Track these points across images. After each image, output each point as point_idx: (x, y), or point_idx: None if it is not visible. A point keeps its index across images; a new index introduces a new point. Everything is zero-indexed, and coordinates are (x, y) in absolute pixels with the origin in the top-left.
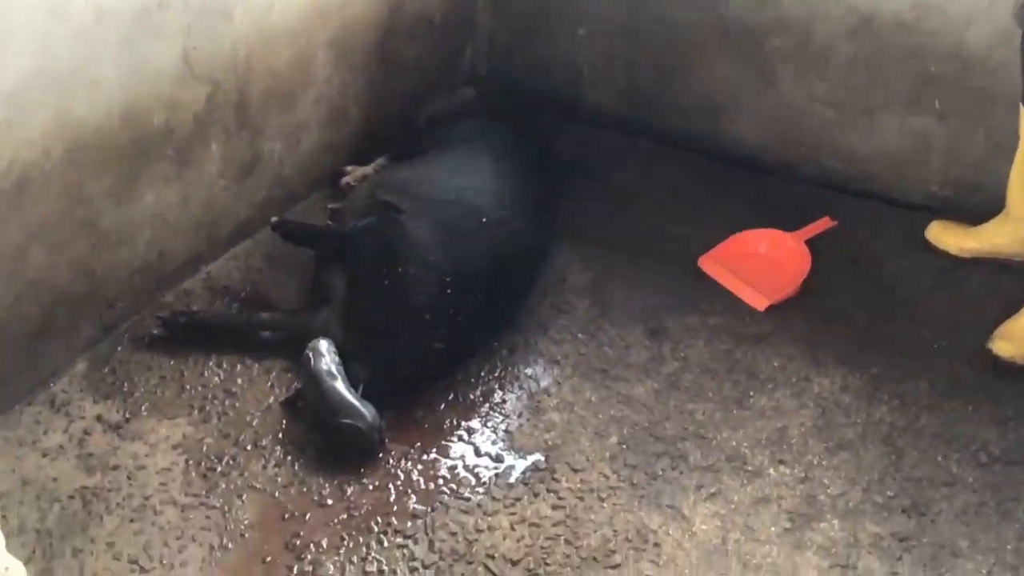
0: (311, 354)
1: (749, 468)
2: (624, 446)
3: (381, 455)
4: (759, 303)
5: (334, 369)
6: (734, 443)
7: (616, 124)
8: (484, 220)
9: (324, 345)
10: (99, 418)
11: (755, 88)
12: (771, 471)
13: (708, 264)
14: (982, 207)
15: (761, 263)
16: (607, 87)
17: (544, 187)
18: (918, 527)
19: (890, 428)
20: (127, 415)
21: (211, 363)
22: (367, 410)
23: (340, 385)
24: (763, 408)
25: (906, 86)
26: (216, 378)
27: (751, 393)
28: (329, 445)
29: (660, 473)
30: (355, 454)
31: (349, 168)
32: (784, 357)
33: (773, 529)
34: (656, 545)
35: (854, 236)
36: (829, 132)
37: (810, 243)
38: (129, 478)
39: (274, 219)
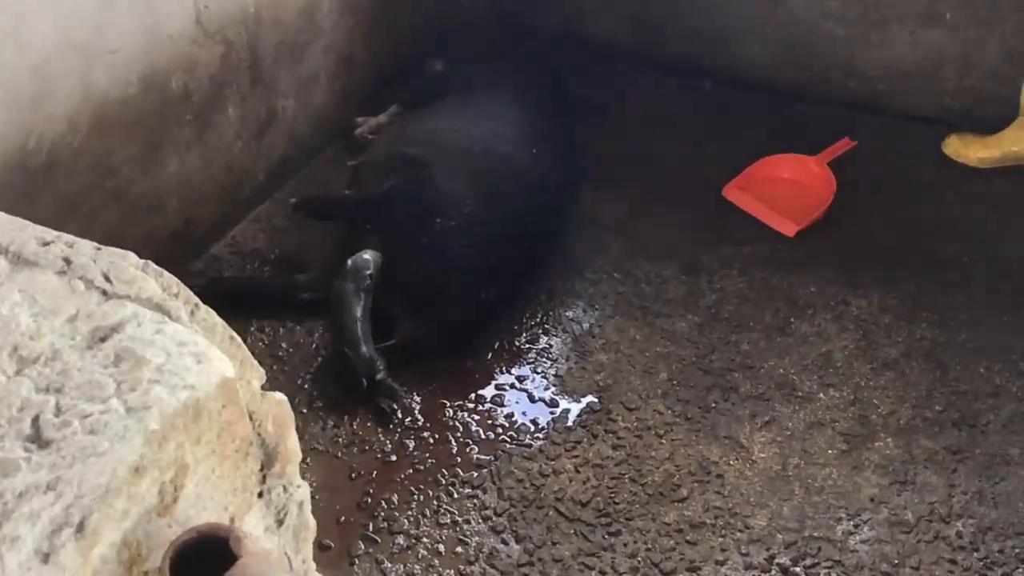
0: (347, 271)
1: (799, 394)
2: (674, 382)
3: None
4: (788, 229)
5: (361, 291)
6: (781, 370)
7: (620, 55)
8: (514, 165)
9: (368, 259)
10: None
11: (763, 7)
12: (821, 395)
13: (733, 193)
14: (997, 117)
15: (786, 189)
16: (610, 16)
17: (566, 127)
18: (969, 439)
19: (932, 344)
20: None
21: (253, 328)
22: (366, 345)
23: (357, 310)
24: (805, 334)
25: None
26: (260, 343)
27: (792, 320)
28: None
29: (713, 405)
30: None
31: (360, 119)
32: (821, 281)
33: (830, 452)
34: (719, 476)
35: (873, 155)
36: (840, 50)
37: (831, 164)
38: None
39: (293, 200)
